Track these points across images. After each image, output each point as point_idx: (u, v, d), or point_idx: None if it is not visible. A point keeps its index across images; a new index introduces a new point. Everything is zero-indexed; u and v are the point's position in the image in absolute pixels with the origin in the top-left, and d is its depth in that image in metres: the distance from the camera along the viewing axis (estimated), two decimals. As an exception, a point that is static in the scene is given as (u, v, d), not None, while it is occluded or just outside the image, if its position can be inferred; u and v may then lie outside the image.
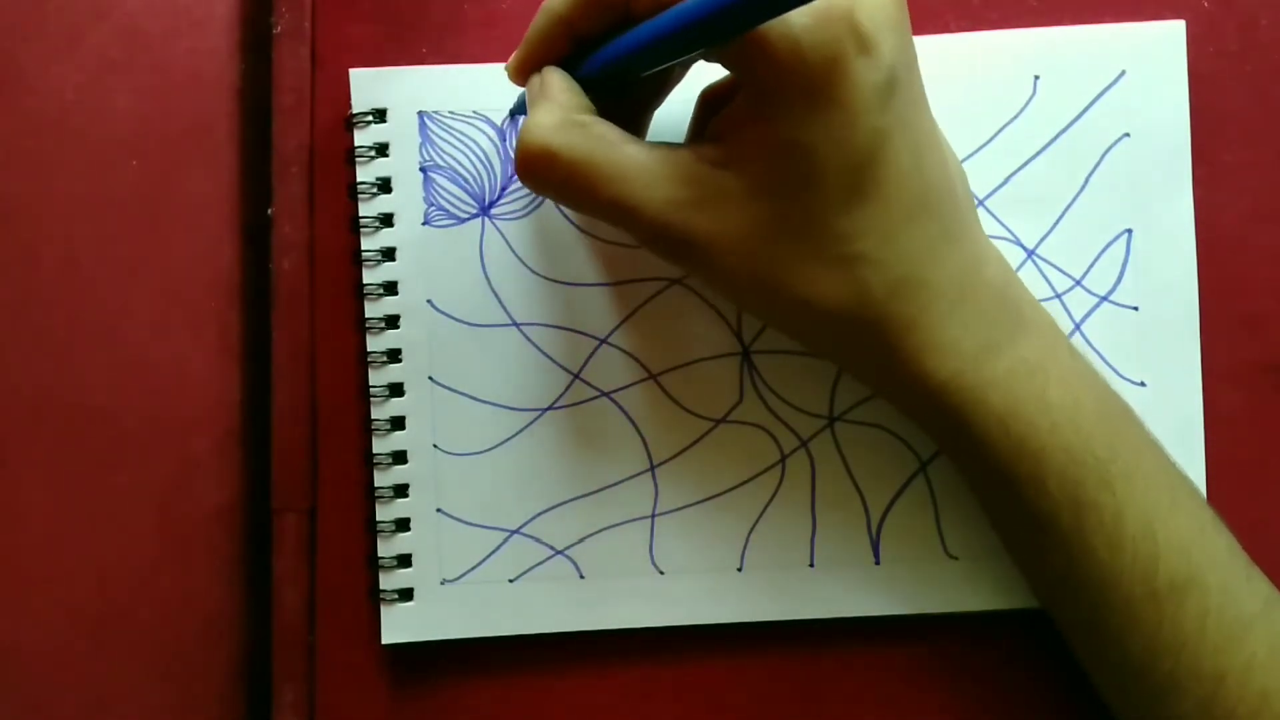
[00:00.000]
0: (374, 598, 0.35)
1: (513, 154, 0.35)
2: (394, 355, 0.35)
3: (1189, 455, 0.34)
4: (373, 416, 0.35)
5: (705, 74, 0.31)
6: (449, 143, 0.35)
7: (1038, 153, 0.34)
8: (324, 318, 0.35)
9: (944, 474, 0.34)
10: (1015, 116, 0.34)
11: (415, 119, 0.35)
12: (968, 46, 0.34)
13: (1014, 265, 0.34)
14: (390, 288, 0.35)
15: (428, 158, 0.35)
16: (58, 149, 0.32)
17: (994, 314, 0.29)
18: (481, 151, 0.35)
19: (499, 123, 0.35)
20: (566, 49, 0.29)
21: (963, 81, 0.34)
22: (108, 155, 0.33)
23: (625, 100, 0.30)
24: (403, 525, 0.34)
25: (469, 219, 0.35)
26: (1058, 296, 0.34)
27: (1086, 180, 0.34)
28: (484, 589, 0.34)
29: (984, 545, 0.34)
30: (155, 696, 0.34)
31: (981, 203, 0.34)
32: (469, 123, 0.35)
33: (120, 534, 0.33)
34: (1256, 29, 0.35)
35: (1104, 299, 0.34)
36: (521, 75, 0.30)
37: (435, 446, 0.35)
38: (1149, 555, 0.28)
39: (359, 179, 0.35)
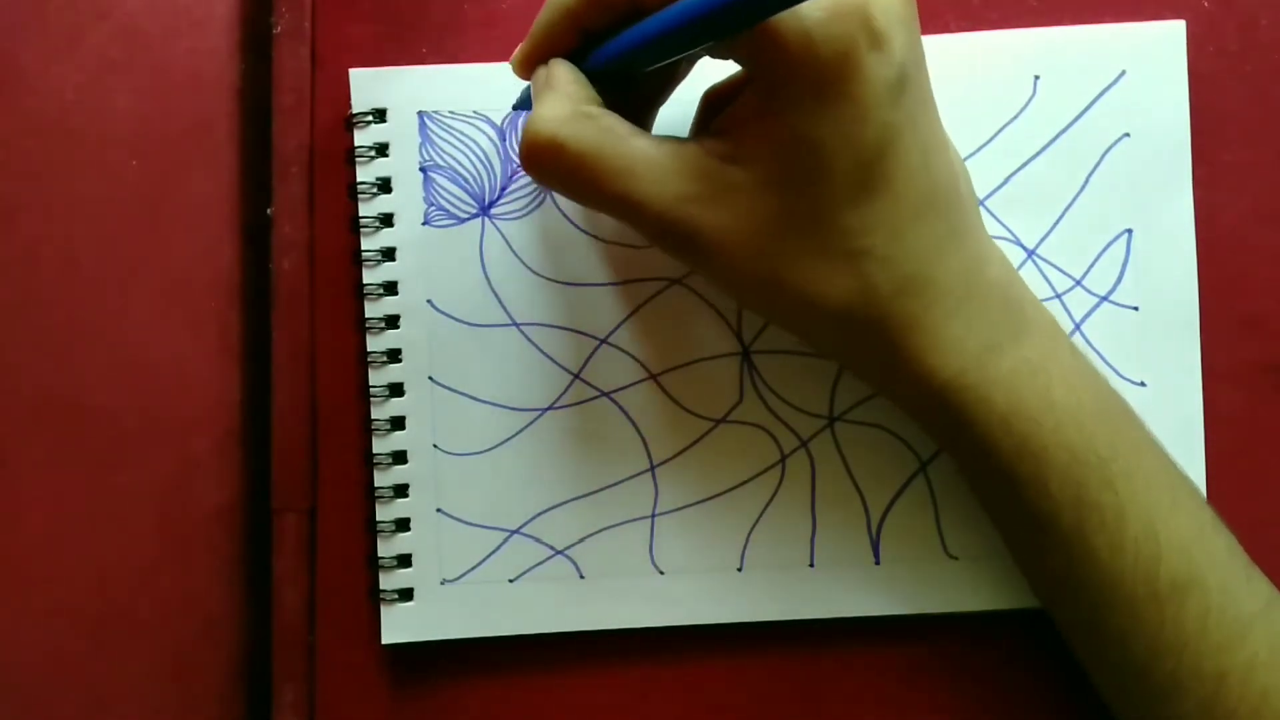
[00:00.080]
0: (374, 598, 0.35)
1: (513, 153, 0.35)
2: (394, 355, 0.35)
3: (1189, 455, 0.34)
4: (373, 416, 0.35)
5: (709, 71, 0.31)
6: (449, 142, 0.35)
7: (1038, 153, 0.34)
8: (324, 318, 0.35)
9: (944, 474, 0.34)
10: (1015, 116, 0.34)
11: (415, 119, 0.35)
12: (968, 46, 0.34)
13: (1014, 265, 0.34)
14: (390, 288, 0.35)
15: (428, 158, 0.35)
16: (58, 149, 0.32)
17: (997, 313, 0.29)
18: (481, 151, 0.35)
19: (499, 122, 0.35)
20: (574, 42, 0.29)
21: (963, 81, 0.34)
22: (108, 155, 0.33)
23: (630, 96, 0.30)
24: (403, 525, 0.34)
25: (469, 219, 0.35)
26: (1058, 296, 0.34)
27: (1086, 180, 0.34)
28: (484, 589, 0.34)
29: (984, 545, 0.34)
30: (155, 696, 0.33)
31: (982, 203, 0.34)
32: (469, 122, 0.35)
33: (120, 534, 0.33)
34: (1256, 29, 0.35)
35: (1104, 299, 0.34)
36: (526, 69, 0.30)
37: (435, 446, 0.35)
38: (1151, 555, 0.28)
39: (359, 179, 0.35)
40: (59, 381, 0.32)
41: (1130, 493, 0.29)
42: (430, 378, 0.35)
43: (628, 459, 0.34)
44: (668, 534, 0.34)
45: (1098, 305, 0.34)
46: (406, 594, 0.34)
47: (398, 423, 0.35)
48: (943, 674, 0.35)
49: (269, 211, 0.35)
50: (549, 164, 0.27)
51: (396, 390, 0.35)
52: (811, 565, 0.34)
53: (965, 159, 0.34)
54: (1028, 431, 0.28)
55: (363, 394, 0.35)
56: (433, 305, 0.35)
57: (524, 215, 0.35)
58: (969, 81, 0.34)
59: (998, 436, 0.29)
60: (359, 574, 0.35)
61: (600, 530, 0.34)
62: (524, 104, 0.33)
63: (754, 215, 0.27)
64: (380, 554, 0.34)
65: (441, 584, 0.34)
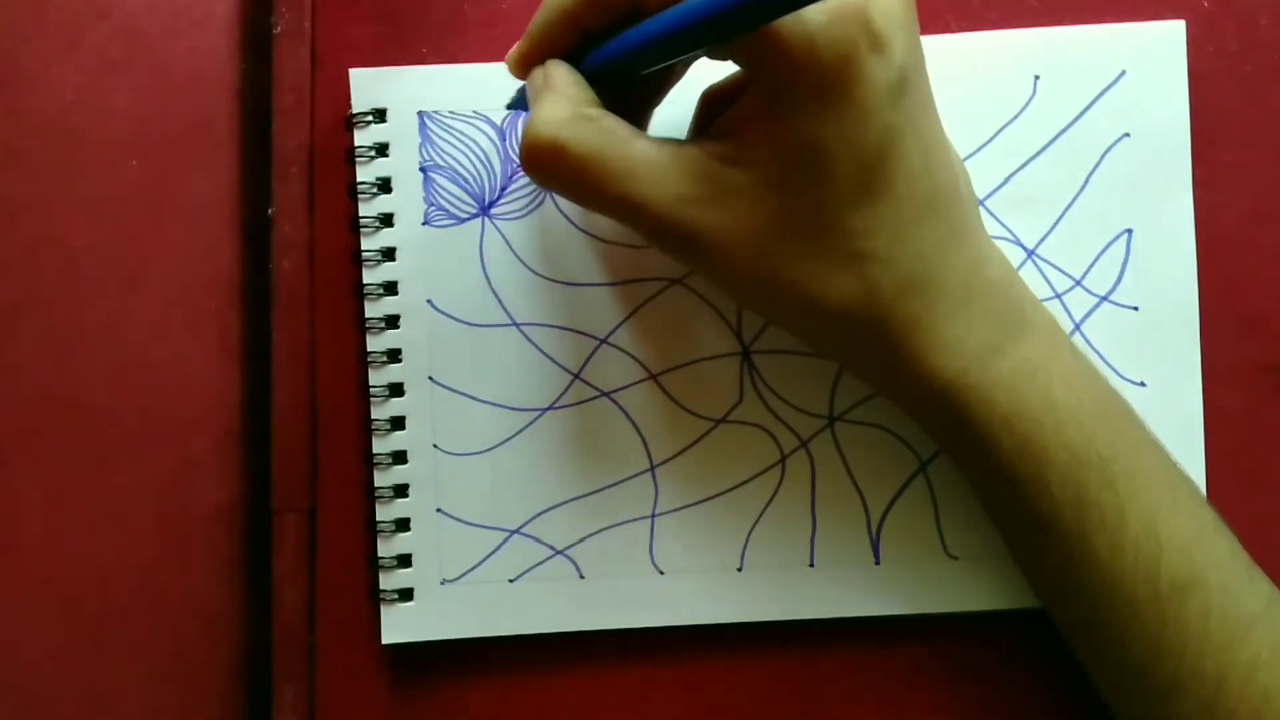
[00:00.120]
0: (374, 598, 0.35)
1: (513, 153, 0.35)
2: (394, 355, 0.35)
3: (1189, 455, 0.34)
4: (373, 416, 0.35)
5: (705, 73, 0.31)
6: (449, 142, 0.35)
7: (1038, 153, 0.34)
8: (324, 318, 0.35)
9: (944, 474, 0.34)
10: (1015, 116, 0.34)
11: (415, 119, 0.35)
12: (968, 46, 0.34)
13: (1014, 265, 0.34)
14: (390, 288, 0.35)
15: (428, 158, 0.35)
16: (58, 149, 0.32)
17: (998, 314, 0.29)
18: (481, 151, 0.35)
19: (499, 122, 0.35)
20: (571, 43, 0.29)
21: (963, 81, 0.34)
22: (108, 155, 0.33)
23: (627, 97, 0.30)
24: (403, 525, 0.34)
25: (469, 219, 0.35)
26: (1058, 296, 0.34)
27: (1086, 180, 0.34)
28: (484, 589, 0.34)
29: (984, 545, 0.34)
30: (155, 696, 0.33)
31: (982, 203, 0.34)
32: (469, 122, 0.35)
33: (120, 534, 0.33)
34: (1256, 29, 0.35)
35: (1104, 299, 0.34)
36: (522, 69, 0.30)
37: (435, 446, 0.35)
38: (1151, 555, 0.28)
39: (359, 179, 0.35)
40: (59, 381, 0.32)
41: (1131, 492, 0.29)
42: (430, 378, 0.35)
43: (628, 459, 0.34)
44: (668, 534, 0.34)
45: (1098, 305, 0.34)
46: (406, 594, 0.34)
47: (398, 423, 0.35)
48: (943, 674, 0.35)
49: (269, 211, 0.35)
50: (550, 166, 0.27)
51: (396, 390, 0.35)
52: (811, 565, 0.34)
53: (965, 159, 0.34)
54: (1029, 432, 0.28)
55: (363, 394, 0.35)
56: (433, 305, 0.35)
57: (524, 215, 0.35)
58: (969, 82, 0.34)
59: (999, 437, 0.29)
60: (359, 574, 0.35)
61: (600, 530, 0.34)
62: (517, 104, 0.33)
63: (755, 217, 0.27)
64: (380, 554, 0.34)
65: (441, 584, 0.34)
